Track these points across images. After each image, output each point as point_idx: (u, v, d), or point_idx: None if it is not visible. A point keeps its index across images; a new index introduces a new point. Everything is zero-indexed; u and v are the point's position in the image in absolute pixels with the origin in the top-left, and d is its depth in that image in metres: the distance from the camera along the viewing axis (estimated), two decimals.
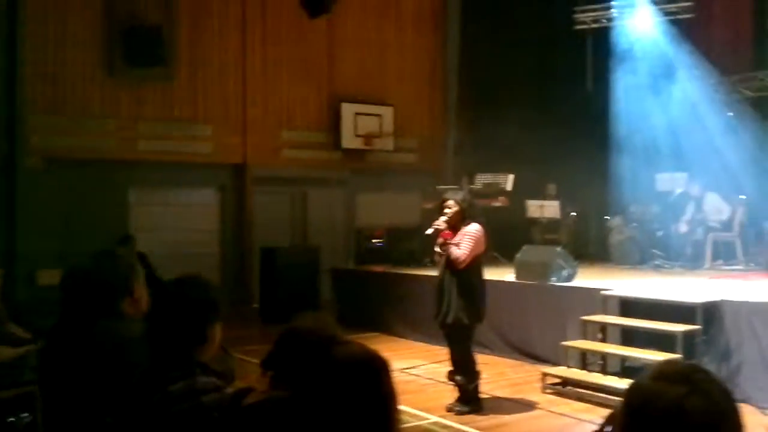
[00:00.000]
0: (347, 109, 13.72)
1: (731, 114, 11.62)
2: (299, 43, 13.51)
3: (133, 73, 11.94)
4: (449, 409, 6.54)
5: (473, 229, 6.39)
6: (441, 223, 6.41)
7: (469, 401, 6.56)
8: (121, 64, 11.87)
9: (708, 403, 1.44)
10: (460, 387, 6.58)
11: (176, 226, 12.60)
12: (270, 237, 12.90)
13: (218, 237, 13.09)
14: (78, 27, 11.71)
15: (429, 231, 6.53)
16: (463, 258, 6.29)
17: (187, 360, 2.47)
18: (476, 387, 6.61)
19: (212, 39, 12.79)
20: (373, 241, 12.81)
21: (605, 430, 1.70)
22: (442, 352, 8.72)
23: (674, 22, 12.33)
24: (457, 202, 6.44)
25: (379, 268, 11.66)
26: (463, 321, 6.38)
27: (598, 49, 13.16)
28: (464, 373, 6.54)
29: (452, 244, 6.36)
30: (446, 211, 6.45)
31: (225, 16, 12.95)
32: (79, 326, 2.82)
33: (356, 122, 13.77)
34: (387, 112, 14.07)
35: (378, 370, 1.87)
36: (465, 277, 6.40)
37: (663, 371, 1.51)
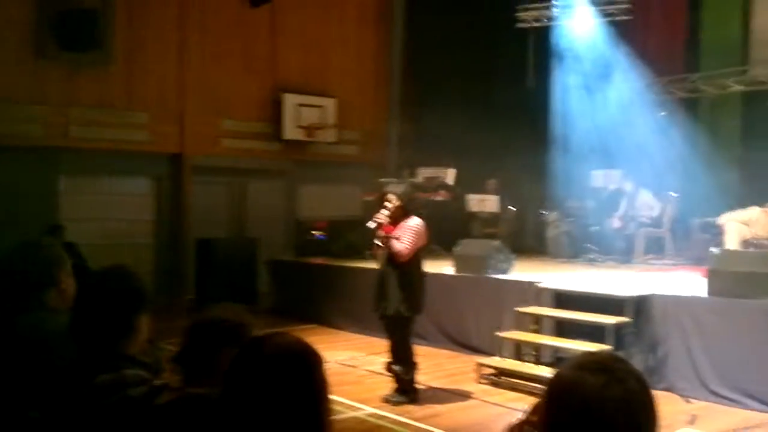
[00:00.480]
0: (289, 100, 13.62)
1: (663, 114, 11.94)
2: (240, 32, 13.33)
3: (66, 57, 11.56)
4: (386, 400, 6.60)
5: (414, 223, 6.46)
6: (382, 216, 6.46)
7: (406, 392, 6.63)
8: (54, 48, 11.44)
9: (625, 392, 1.50)
10: (398, 377, 6.64)
11: (110, 216, 12.32)
12: (208, 228, 12.74)
13: (153, 228, 12.85)
14: (9, 7, 11.27)
15: (370, 224, 6.54)
16: (405, 252, 6.36)
17: (114, 352, 2.42)
18: (413, 378, 6.68)
19: (150, 25, 12.48)
20: (314, 233, 12.76)
21: (530, 419, 1.75)
22: (380, 343, 8.77)
23: (612, 24, 12.57)
24: (398, 197, 6.50)
25: (318, 260, 11.64)
26: (403, 313, 6.45)
27: (539, 47, 13.34)
28: (402, 363, 6.61)
29: (393, 238, 6.40)
30: (387, 204, 6.50)
31: (164, 2, 12.68)
32: (2, 319, 2.75)
33: (298, 113, 13.67)
34: (330, 103, 14.01)
35: (309, 363, 1.86)
36: (405, 270, 6.46)
37: (583, 361, 1.57)
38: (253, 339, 1.89)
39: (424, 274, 6.73)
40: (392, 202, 6.49)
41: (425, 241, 6.62)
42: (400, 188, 6.70)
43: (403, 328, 6.60)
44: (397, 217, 6.47)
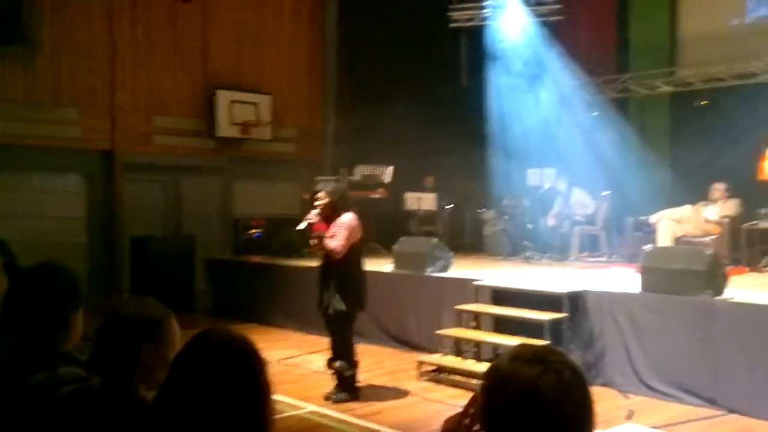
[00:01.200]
0: (223, 97, 13.41)
1: (596, 114, 12.20)
2: (172, 27, 13.06)
3: None
4: (327, 398, 6.57)
5: (345, 219, 6.45)
6: (313, 216, 6.48)
7: (348, 389, 6.61)
8: None
9: (560, 383, 1.50)
10: (339, 375, 6.62)
11: (40, 214, 11.93)
12: (142, 226, 12.49)
13: (85, 225, 12.50)
14: None
15: (301, 226, 6.56)
16: (339, 249, 6.36)
17: (48, 350, 2.35)
18: (353, 375, 6.66)
19: (78, 18, 12.08)
20: (251, 231, 12.63)
21: (468, 411, 1.75)
22: (320, 341, 8.74)
23: (544, 24, 12.81)
24: (327, 194, 6.49)
25: (256, 259, 11.52)
26: (343, 310, 6.43)
27: (472, 46, 13.50)
28: (344, 361, 6.59)
29: (327, 236, 6.40)
30: (317, 203, 6.51)
31: None
32: None
33: (232, 110, 13.47)
34: (264, 100, 13.86)
35: (254, 357, 1.85)
36: (343, 267, 6.46)
37: (519, 353, 1.57)
38: (200, 333, 1.86)
39: (364, 271, 6.71)
40: (322, 199, 6.49)
41: (360, 235, 6.58)
42: (330, 186, 6.65)
43: (344, 326, 6.59)
44: (329, 215, 6.46)
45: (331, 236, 6.38)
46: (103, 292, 11.28)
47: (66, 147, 11.94)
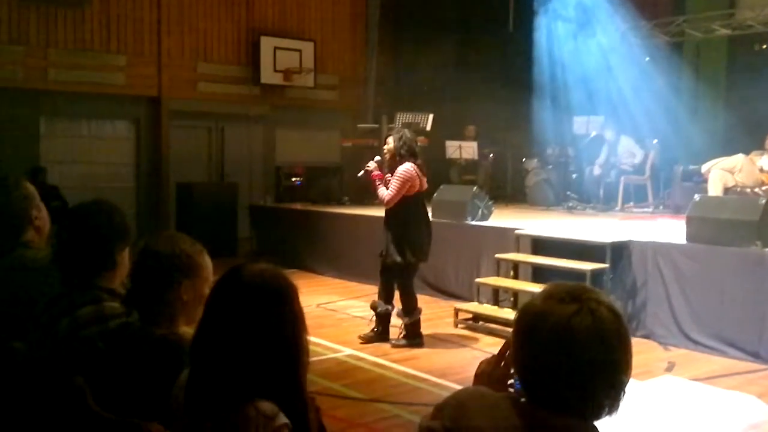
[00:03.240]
0: (266, 43, 13.38)
1: (648, 59, 11.84)
2: None
3: None
4: (393, 345, 6.62)
5: (402, 169, 6.42)
6: (371, 164, 6.62)
7: (410, 336, 6.66)
8: None
9: (595, 321, 1.45)
10: (381, 318, 6.73)
11: (90, 160, 12.21)
12: (187, 172, 12.68)
13: (133, 171, 12.73)
14: None
15: (360, 174, 6.72)
16: (388, 198, 6.43)
17: (95, 285, 2.41)
18: (416, 322, 6.70)
19: None
20: (293, 178, 12.70)
21: (503, 352, 1.72)
22: (359, 288, 8.86)
23: None
24: (393, 140, 6.51)
25: (297, 206, 11.60)
26: (397, 261, 6.47)
27: None
28: (404, 310, 6.65)
29: (382, 184, 6.52)
30: (384, 149, 6.63)
31: None
32: None
33: (275, 57, 13.46)
34: (307, 47, 13.79)
35: (286, 291, 1.85)
36: (400, 218, 6.49)
37: (552, 292, 1.52)
38: (231, 269, 1.87)
39: (423, 223, 6.64)
40: (387, 148, 6.55)
41: (419, 186, 6.50)
42: (399, 134, 6.63)
43: (401, 276, 6.59)
44: (392, 164, 6.51)
45: (387, 184, 6.48)
46: (147, 237, 11.47)
47: (114, 93, 12.13)
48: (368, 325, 6.87)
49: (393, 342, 6.68)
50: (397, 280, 6.63)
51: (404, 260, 6.47)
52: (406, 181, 6.40)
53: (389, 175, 6.56)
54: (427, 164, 6.96)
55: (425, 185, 6.62)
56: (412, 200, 6.50)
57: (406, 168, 6.42)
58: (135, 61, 12.36)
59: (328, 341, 6.60)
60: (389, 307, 6.73)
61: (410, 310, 6.65)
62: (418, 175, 6.46)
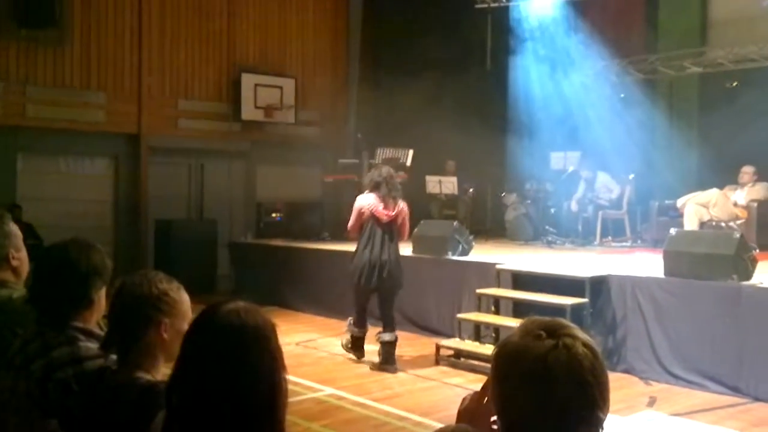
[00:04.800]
0: (247, 80, 13.45)
1: (623, 95, 12.02)
2: (198, 12, 13.15)
3: (23, 34, 11.31)
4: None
5: (356, 201, 7.10)
6: None
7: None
8: (10, 24, 11.19)
9: (571, 357, 1.45)
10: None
11: (67, 197, 12.11)
12: (166, 209, 12.62)
13: (111, 208, 12.65)
14: None
15: None
16: (348, 229, 7.23)
17: (71, 325, 2.38)
18: (351, 338, 7.33)
19: (107, 3, 12.25)
20: (273, 214, 12.68)
21: (484, 392, 1.71)
22: (339, 325, 8.80)
23: (571, 4, 12.64)
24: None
25: (277, 242, 11.57)
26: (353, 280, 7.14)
27: (497, 28, 13.35)
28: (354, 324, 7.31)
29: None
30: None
31: None
32: None
33: (256, 93, 13.52)
34: (288, 84, 13.87)
35: (264, 329, 1.83)
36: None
37: (529, 328, 1.51)
38: (207, 309, 1.85)
39: (369, 248, 7.05)
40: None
41: (371, 215, 6.96)
42: (378, 168, 7.44)
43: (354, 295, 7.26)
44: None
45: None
46: (125, 276, 11.36)
47: (93, 131, 12.10)
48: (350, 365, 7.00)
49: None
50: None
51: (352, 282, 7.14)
52: (355, 210, 7.04)
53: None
54: (407, 199, 7.25)
55: (382, 215, 6.95)
56: (364, 228, 7.02)
57: (358, 199, 7.09)
58: (115, 99, 12.36)
59: (307, 380, 6.54)
60: (356, 330, 7.31)
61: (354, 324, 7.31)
62: (370, 205, 6.92)
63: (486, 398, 1.70)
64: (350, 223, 7.07)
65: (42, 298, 2.43)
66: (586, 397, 1.46)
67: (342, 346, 7.50)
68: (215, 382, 1.73)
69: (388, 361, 7.04)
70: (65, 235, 2.73)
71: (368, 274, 6.96)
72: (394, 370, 6.99)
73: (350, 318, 7.43)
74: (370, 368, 7.10)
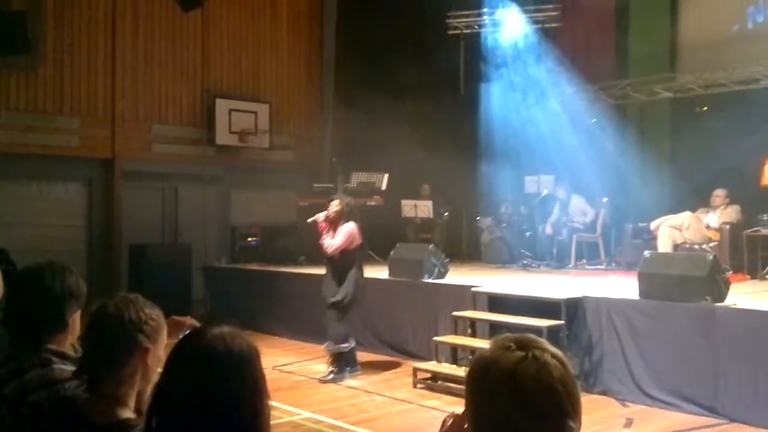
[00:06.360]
0: (221, 105, 13.43)
1: (594, 120, 12.16)
2: (172, 37, 13.15)
3: None
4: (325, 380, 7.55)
5: (348, 227, 7.56)
6: (321, 216, 7.65)
7: (348, 365, 7.76)
8: None
9: (540, 368, 1.46)
10: (338, 355, 7.68)
11: (41, 222, 11.96)
12: (140, 234, 12.49)
13: (85, 233, 12.52)
14: None
15: (309, 220, 7.77)
16: (332, 249, 7.54)
17: (45, 348, 2.34)
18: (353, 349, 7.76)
19: (80, 29, 12.19)
20: (248, 239, 12.63)
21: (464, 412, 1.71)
22: (316, 349, 8.77)
23: (542, 30, 12.82)
24: (340, 203, 7.64)
25: (253, 266, 11.50)
26: (338, 298, 7.61)
27: (470, 54, 13.48)
28: (341, 341, 7.65)
29: (327, 235, 7.61)
30: (330, 207, 7.64)
31: (95, 6, 12.36)
32: None
33: (231, 119, 13.51)
34: (262, 109, 13.88)
35: (246, 355, 1.82)
36: (338, 265, 7.67)
37: (500, 342, 1.54)
38: (193, 331, 1.83)
39: (359, 272, 7.73)
40: (334, 207, 7.61)
41: (358, 243, 7.68)
42: (345, 198, 7.91)
43: (339, 311, 7.58)
44: (336, 221, 7.58)
45: (333, 237, 7.54)
46: (101, 300, 11.23)
47: (67, 156, 12.00)
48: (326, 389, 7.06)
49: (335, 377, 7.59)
50: (337, 314, 7.57)
51: (343, 299, 7.57)
52: (350, 236, 7.51)
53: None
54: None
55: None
56: (354, 254, 7.66)
57: (352, 227, 7.56)
58: (88, 123, 12.27)
59: (284, 404, 6.49)
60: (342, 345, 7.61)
61: (345, 339, 7.67)
62: (358, 234, 7.63)
63: (467, 424, 1.70)
64: (338, 245, 7.53)
65: (16, 321, 2.40)
66: (557, 405, 1.47)
67: (331, 375, 7.66)
68: (197, 408, 1.71)
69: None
70: (39, 259, 2.68)
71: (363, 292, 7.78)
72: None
73: (329, 342, 7.67)
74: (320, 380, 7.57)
